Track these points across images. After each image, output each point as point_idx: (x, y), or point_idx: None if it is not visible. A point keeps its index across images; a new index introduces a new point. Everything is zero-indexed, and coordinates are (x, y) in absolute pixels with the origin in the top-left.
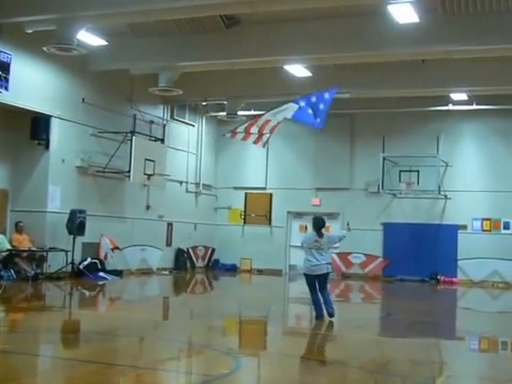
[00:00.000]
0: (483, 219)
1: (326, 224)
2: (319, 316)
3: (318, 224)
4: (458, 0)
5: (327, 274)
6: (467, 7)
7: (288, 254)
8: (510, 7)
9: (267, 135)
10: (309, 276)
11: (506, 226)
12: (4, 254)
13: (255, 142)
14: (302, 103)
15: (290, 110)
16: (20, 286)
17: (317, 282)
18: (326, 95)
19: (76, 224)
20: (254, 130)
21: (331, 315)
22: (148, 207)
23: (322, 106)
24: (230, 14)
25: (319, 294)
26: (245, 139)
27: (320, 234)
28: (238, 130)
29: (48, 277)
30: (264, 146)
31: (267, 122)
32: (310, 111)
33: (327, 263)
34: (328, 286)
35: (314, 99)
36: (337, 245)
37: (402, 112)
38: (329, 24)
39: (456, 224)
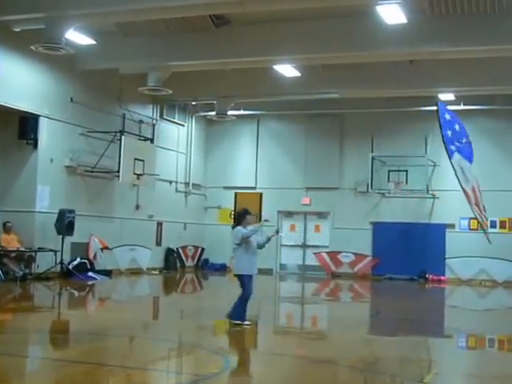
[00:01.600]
0: (470, 218)
1: (316, 223)
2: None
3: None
4: (445, 1)
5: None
6: (455, 8)
7: (279, 253)
8: (497, 8)
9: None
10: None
11: (493, 225)
12: None
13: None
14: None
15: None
16: (8, 287)
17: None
18: (447, 117)
19: (65, 224)
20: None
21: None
22: (138, 207)
23: (464, 140)
24: (220, 13)
25: None
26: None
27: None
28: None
29: (37, 277)
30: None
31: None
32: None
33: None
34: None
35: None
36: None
37: (391, 112)
38: (318, 24)
39: (444, 223)
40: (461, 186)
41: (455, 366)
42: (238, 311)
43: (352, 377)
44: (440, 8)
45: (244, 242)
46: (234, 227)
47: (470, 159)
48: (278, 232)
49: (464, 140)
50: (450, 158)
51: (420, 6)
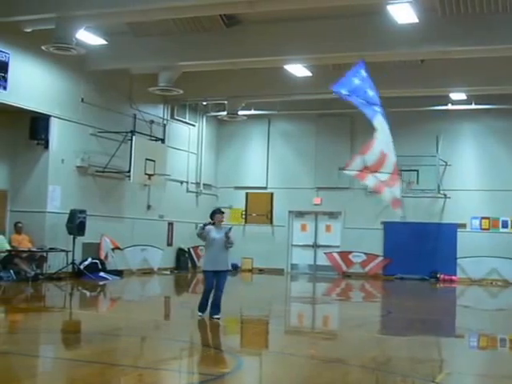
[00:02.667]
0: (482, 218)
1: (327, 223)
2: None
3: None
4: (456, 0)
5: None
6: (466, 7)
7: (290, 253)
8: (509, 7)
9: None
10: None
11: (505, 225)
12: (3, 254)
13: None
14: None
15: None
16: (20, 287)
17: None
18: (362, 73)
19: (76, 224)
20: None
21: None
22: (149, 207)
23: (370, 92)
24: (230, 13)
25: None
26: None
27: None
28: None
29: (48, 277)
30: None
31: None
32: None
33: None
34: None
35: (356, 81)
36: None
37: (402, 111)
38: (328, 24)
39: (455, 223)
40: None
41: (467, 366)
42: (200, 302)
43: (363, 376)
44: (451, 7)
45: (202, 239)
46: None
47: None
48: (230, 229)
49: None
50: (372, 118)
51: (431, 6)
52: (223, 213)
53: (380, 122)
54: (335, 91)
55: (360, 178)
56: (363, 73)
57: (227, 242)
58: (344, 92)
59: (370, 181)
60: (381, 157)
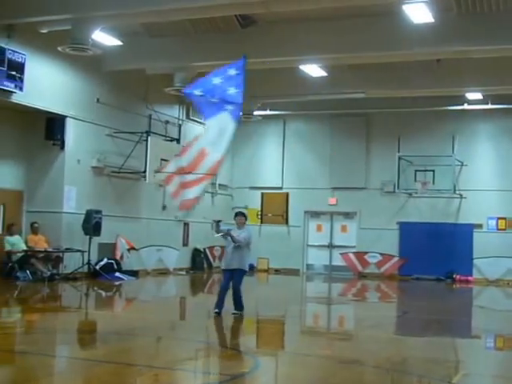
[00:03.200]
0: (498, 218)
1: (343, 223)
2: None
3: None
4: None
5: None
6: (482, 6)
7: (305, 253)
8: None
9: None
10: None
11: None
12: (20, 254)
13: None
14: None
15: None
16: (36, 287)
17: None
18: (231, 72)
19: (92, 224)
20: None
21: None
22: (164, 207)
23: (233, 90)
24: (245, 13)
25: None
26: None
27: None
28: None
29: (64, 277)
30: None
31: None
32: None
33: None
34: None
35: (216, 81)
36: None
37: (418, 112)
38: (344, 24)
39: (471, 223)
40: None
41: (483, 367)
42: (216, 300)
43: (379, 377)
44: (467, 6)
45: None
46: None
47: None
48: (228, 230)
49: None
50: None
51: (447, 5)
52: (243, 215)
53: (219, 122)
54: (185, 93)
55: (166, 182)
56: (233, 71)
57: (232, 241)
58: (197, 93)
59: (172, 185)
60: (198, 156)
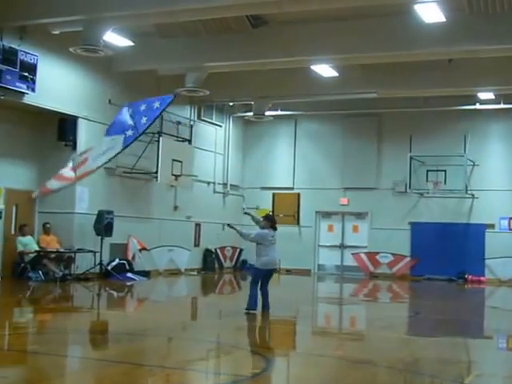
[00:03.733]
0: (510, 218)
1: (355, 223)
2: (254, 308)
3: (275, 221)
4: None
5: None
6: (494, 6)
7: (317, 253)
8: None
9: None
10: (263, 270)
11: None
12: (32, 255)
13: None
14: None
15: (116, 143)
16: (48, 287)
17: (264, 277)
18: (156, 104)
19: (104, 225)
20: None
21: (268, 308)
22: (176, 208)
23: (144, 120)
24: (257, 13)
25: (260, 288)
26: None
27: (275, 231)
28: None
29: (76, 278)
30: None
31: (84, 161)
32: (130, 133)
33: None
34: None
35: (142, 107)
36: None
37: (429, 111)
38: (355, 24)
39: (483, 223)
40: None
41: (496, 368)
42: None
43: (391, 377)
44: (479, 6)
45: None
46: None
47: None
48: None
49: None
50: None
51: (458, 5)
52: (267, 218)
53: (112, 142)
54: (123, 106)
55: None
56: (157, 104)
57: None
58: (126, 111)
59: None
60: (83, 160)
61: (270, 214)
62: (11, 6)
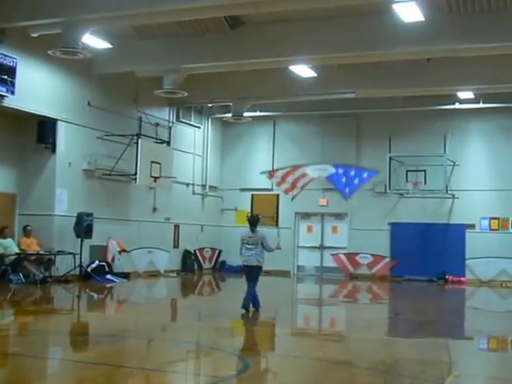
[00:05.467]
0: (491, 218)
1: (334, 224)
2: (243, 306)
3: (254, 221)
4: None
5: (256, 267)
6: (473, 5)
7: (296, 255)
8: None
9: (298, 190)
10: (243, 267)
11: None
12: (12, 257)
13: (286, 192)
14: (340, 171)
15: (327, 171)
16: (29, 290)
17: (245, 273)
18: (365, 175)
19: (83, 227)
20: (290, 179)
21: (247, 307)
22: (155, 209)
23: (356, 181)
24: (235, 14)
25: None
26: (278, 185)
27: (253, 231)
28: (275, 174)
29: (56, 280)
30: (292, 200)
31: (303, 175)
32: (343, 180)
33: (257, 258)
34: (258, 280)
35: (352, 172)
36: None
37: (409, 111)
38: (333, 24)
39: (464, 223)
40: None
41: (476, 369)
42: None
43: (371, 379)
44: (458, 5)
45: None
46: (254, 231)
47: (329, 179)
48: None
49: (344, 180)
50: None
51: (437, 4)
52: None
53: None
54: None
55: (278, 185)
56: (366, 175)
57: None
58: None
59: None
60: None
61: (249, 214)
62: None
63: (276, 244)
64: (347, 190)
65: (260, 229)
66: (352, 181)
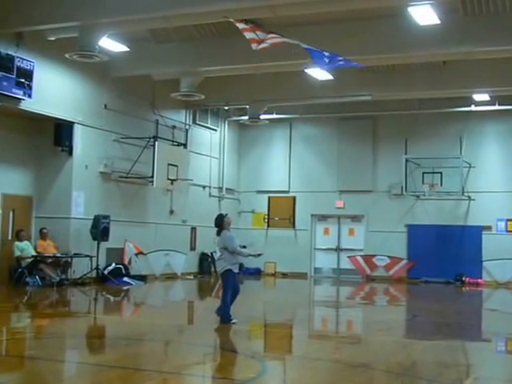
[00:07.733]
0: (508, 220)
1: (351, 226)
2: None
3: (216, 222)
4: (478, 0)
5: (221, 274)
6: (488, 7)
7: (313, 256)
8: None
9: (267, 44)
10: None
11: None
12: (29, 260)
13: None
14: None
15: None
16: (45, 292)
17: None
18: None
19: (100, 229)
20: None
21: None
22: (171, 212)
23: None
24: (251, 18)
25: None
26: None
27: (218, 234)
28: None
29: (73, 282)
30: (255, 47)
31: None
32: (325, 59)
33: (221, 263)
34: (226, 289)
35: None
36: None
37: (425, 114)
38: (349, 27)
39: (480, 225)
40: None
41: (495, 371)
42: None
43: (389, 381)
44: (473, 7)
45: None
46: (219, 233)
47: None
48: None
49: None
50: None
51: (452, 6)
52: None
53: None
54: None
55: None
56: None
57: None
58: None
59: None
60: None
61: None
62: (8, 13)
63: (253, 250)
64: (326, 60)
65: (226, 231)
66: (335, 58)
